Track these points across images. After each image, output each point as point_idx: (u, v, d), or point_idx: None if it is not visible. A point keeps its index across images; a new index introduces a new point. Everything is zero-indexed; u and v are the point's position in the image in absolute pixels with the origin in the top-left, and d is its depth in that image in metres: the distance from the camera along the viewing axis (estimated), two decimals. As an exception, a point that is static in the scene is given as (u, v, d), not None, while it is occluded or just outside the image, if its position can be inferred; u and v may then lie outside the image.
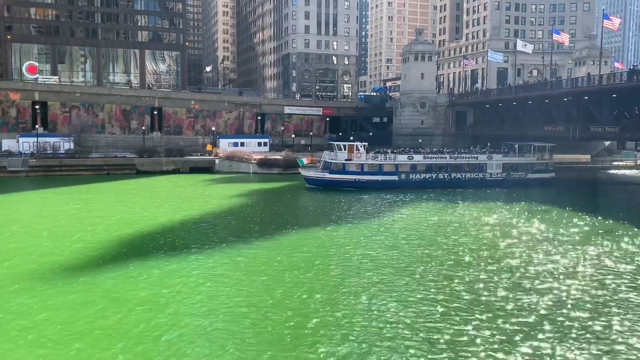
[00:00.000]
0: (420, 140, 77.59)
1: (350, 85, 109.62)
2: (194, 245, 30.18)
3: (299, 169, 57.78)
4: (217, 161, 70.77)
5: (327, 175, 55.29)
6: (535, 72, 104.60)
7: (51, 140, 69.93)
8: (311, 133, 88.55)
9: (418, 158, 57.23)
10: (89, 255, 27.92)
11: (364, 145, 57.21)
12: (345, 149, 56.30)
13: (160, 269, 25.76)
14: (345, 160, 55.71)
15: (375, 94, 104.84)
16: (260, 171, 67.65)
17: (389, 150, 59.88)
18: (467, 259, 28.26)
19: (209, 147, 77.06)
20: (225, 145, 77.00)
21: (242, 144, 78.02)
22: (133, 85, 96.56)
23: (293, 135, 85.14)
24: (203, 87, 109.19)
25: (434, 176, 56.82)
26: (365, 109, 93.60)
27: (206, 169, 70.12)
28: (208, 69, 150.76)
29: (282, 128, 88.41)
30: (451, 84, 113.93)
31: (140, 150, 72.51)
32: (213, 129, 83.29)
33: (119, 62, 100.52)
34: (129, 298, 22.19)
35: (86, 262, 26.77)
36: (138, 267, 26.13)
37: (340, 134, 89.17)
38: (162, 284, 23.70)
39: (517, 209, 43.27)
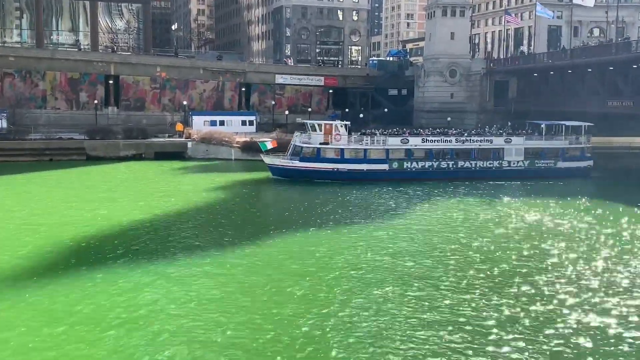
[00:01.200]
0: (449, 119, 77.38)
1: (359, 48, 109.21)
2: (154, 252, 30.52)
3: (261, 155, 57.70)
4: (189, 144, 70.60)
5: (297, 164, 55.17)
6: (596, 32, 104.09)
7: (-23, 117, 70.01)
8: (310, 109, 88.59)
9: (415, 141, 57.21)
10: (26, 265, 27.93)
11: (346, 125, 57.04)
12: (320, 130, 56.00)
13: (111, 281, 25.97)
14: (320, 144, 55.45)
15: (391, 59, 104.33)
16: (245, 157, 67.56)
17: (377, 132, 59.88)
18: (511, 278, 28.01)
19: (179, 127, 76.84)
20: (200, 125, 76.93)
21: (222, 123, 77.98)
22: (82, 47, 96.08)
23: (287, 112, 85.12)
24: (172, 50, 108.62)
25: (435, 165, 56.81)
26: (379, 79, 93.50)
27: (176, 154, 70.02)
28: (174, 27, 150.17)
29: (273, 102, 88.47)
30: (489, 47, 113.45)
31: (92, 130, 72.30)
32: (185, 103, 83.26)
33: (65, 17, 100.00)
34: (65, 315, 22.33)
35: (21, 274, 26.76)
36: (84, 279, 26.29)
37: (347, 110, 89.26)
38: (111, 300, 23.92)
39: (544, 208, 43.27)
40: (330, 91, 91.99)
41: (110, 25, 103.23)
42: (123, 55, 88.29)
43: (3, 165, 61.99)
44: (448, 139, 58.25)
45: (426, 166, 56.74)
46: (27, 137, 69.52)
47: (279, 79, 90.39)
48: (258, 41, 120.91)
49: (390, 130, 62.44)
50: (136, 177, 56.23)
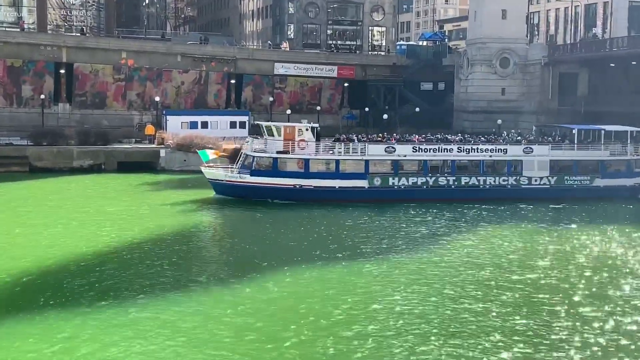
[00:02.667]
0: (499, 121, 77.57)
1: (383, 30, 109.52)
2: (106, 294, 31.03)
3: (202, 168, 57.68)
4: (163, 153, 71.05)
5: (248, 179, 54.80)
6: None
7: None
8: (318, 107, 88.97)
9: (403, 150, 56.84)
10: None
11: (314, 128, 56.95)
12: (279, 134, 55.91)
13: (48, 334, 26.31)
14: (278, 153, 55.21)
15: (425, 43, 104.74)
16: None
17: (355, 137, 59.85)
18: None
19: (149, 130, 77.21)
20: (176, 127, 77.41)
21: (205, 125, 78.50)
22: (26, 26, 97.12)
23: (289, 111, 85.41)
24: (141, 31, 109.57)
25: (430, 181, 56.37)
26: (409, 69, 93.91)
27: (145, 165, 70.31)
28: (145, 1, 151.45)
29: (271, 99, 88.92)
30: (551, 29, 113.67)
31: (37, 133, 72.62)
32: (157, 99, 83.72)
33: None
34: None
35: None
36: (17, 325, 26.74)
37: (367, 109, 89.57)
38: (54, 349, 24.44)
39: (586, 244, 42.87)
40: (346, 85, 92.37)
41: (62, 0, 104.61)
42: (78, 38, 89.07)
43: None
44: (448, 147, 57.77)
45: (418, 183, 56.17)
46: (-48, 142, 69.96)
47: (279, 69, 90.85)
48: (252, 20, 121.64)
49: (422, 136, 62.54)
50: (91, 196, 56.55)
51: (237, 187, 55.01)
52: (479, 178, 57.02)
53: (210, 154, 58.35)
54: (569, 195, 57.25)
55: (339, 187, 55.21)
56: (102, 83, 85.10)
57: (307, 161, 55.16)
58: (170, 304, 29.96)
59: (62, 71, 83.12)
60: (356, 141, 57.70)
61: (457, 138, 61.99)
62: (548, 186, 57.94)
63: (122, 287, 32.09)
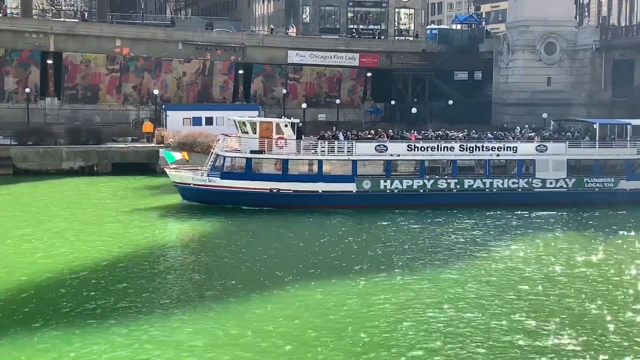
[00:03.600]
0: (545, 115, 77.10)
1: (411, 12, 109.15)
2: (92, 311, 31.61)
3: (166, 169, 57.77)
4: (162, 153, 71.08)
5: (218, 183, 54.88)
6: None
7: None
8: (338, 100, 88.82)
9: (397, 149, 56.67)
10: None
11: (294, 124, 57.03)
12: (254, 130, 55.86)
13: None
14: (252, 152, 55.17)
15: (459, 27, 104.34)
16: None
17: (339, 133, 59.64)
18: None
19: (147, 127, 77.48)
20: (177, 123, 77.80)
21: (210, 121, 78.91)
22: (9, 11, 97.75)
23: (304, 105, 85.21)
24: (138, 17, 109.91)
25: (427, 184, 56.31)
26: (441, 56, 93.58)
27: (143, 166, 70.89)
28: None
29: (285, 91, 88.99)
30: (604, 9, 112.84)
31: (22, 131, 73.24)
32: (156, 92, 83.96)
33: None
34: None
35: None
36: None
37: (393, 101, 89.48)
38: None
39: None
40: (369, 74, 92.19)
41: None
42: (68, 24, 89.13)
43: None
44: (448, 145, 57.52)
45: (414, 186, 56.16)
46: None
47: (294, 57, 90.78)
48: (263, 2, 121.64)
49: (455, 133, 62.26)
50: (82, 202, 56.88)
51: (206, 191, 55.09)
52: (484, 180, 56.91)
53: (176, 154, 58.31)
54: (589, 200, 57.06)
55: (322, 191, 55.25)
56: (94, 74, 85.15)
57: (285, 162, 55.14)
58: (176, 321, 30.40)
59: (50, 61, 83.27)
60: (341, 138, 57.50)
61: (491, 136, 61.37)
62: (565, 189, 57.73)
63: (105, 305, 32.54)
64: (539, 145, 58.19)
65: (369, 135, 60.12)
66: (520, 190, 57.28)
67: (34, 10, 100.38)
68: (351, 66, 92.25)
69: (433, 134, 61.79)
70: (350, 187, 55.47)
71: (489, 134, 61.69)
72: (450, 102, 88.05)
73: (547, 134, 62.64)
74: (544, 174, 57.50)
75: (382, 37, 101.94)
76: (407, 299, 33.78)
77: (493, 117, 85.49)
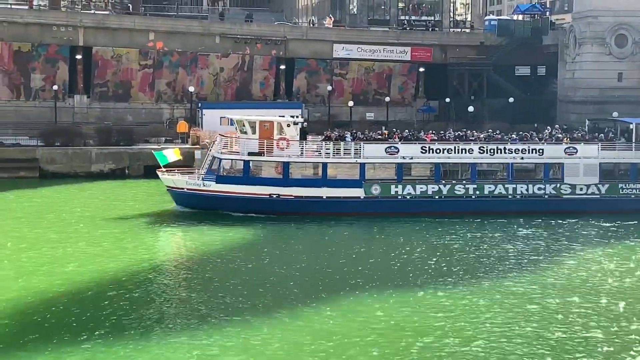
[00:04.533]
0: (615, 114, 76.07)
1: (468, 2, 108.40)
2: (122, 328, 31.97)
3: (159, 173, 57.74)
4: (198, 154, 71.44)
5: (213, 187, 54.93)
6: None
7: None
8: (387, 98, 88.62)
9: (409, 151, 56.39)
10: None
11: (299, 124, 57.02)
12: (253, 130, 55.82)
13: None
14: (250, 154, 55.03)
15: (520, 17, 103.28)
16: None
17: (347, 134, 59.32)
18: None
19: (182, 127, 77.72)
20: (214, 123, 77.77)
21: (249, 121, 78.97)
22: (36, 3, 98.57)
23: (351, 103, 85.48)
24: (173, 8, 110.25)
25: (444, 190, 56.03)
26: (501, 50, 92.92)
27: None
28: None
29: (330, 88, 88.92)
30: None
31: (49, 131, 74.00)
32: (191, 89, 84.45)
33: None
34: None
35: None
36: None
37: (448, 99, 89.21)
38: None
39: None
40: (421, 70, 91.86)
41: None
42: (98, 16, 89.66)
43: None
44: (466, 147, 57.10)
45: (429, 192, 55.83)
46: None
47: (340, 51, 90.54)
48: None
49: (476, 133, 61.99)
50: (111, 207, 57.18)
51: (200, 197, 55.23)
52: (507, 186, 56.55)
53: (170, 155, 58.03)
54: (624, 209, 56.38)
55: (327, 197, 55.09)
56: (125, 70, 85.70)
57: (286, 165, 55.14)
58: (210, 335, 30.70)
59: (79, 56, 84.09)
60: (350, 139, 57.37)
61: (516, 137, 60.80)
62: (597, 196, 57.07)
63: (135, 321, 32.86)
64: (568, 148, 57.67)
65: (380, 136, 60.02)
66: (546, 196, 56.93)
67: (62, 2, 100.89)
68: (402, 61, 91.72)
69: (452, 134, 61.68)
70: (358, 192, 55.31)
71: (513, 135, 61.44)
72: (511, 99, 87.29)
73: (580, 134, 62.07)
74: (574, 179, 57.02)
75: (437, 29, 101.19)
76: (473, 313, 33.87)
77: (558, 116, 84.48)
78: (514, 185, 56.55)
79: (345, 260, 43.31)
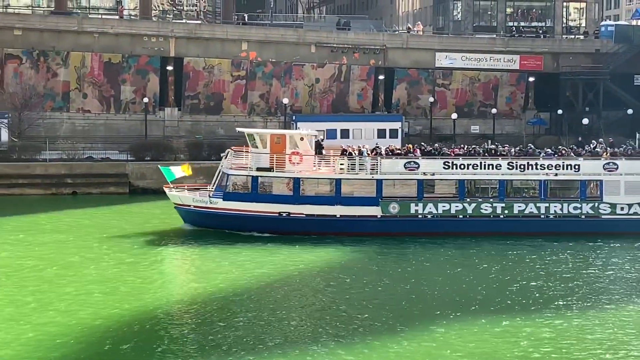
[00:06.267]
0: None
1: (582, 6, 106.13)
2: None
3: (166, 189, 57.31)
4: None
5: (220, 205, 54.03)
6: None
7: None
8: (494, 110, 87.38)
9: (431, 166, 55.05)
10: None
11: (311, 137, 56.47)
12: (264, 144, 54.85)
13: None
14: (259, 170, 53.96)
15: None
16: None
17: (365, 148, 57.61)
18: None
19: (275, 141, 77.54)
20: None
21: (346, 134, 79.02)
22: (126, 13, 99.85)
23: (454, 115, 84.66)
24: (267, 17, 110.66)
25: (469, 209, 54.43)
26: (619, 57, 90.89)
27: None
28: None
29: (432, 99, 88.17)
30: None
31: (139, 146, 74.68)
32: (285, 101, 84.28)
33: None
34: None
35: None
36: None
37: (560, 111, 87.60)
38: None
39: None
40: (531, 79, 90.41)
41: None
42: (189, 26, 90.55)
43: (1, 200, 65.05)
44: (494, 162, 55.32)
45: (452, 211, 54.40)
46: (37, 156, 72.58)
47: (442, 60, 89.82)
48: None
49: (506, 147, 59.95)
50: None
51: (207, 214, 54.62)
52: (538, 205, 55.06)
53: (177, 170, 57.39)
54: None
55: (341, 215, 54.09)
56: (217, 82, 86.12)
57: (296, 181, 54.18)
58: None
59: (170, 68, 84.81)
60: (365, 154, 55.73)
61: (550, 152, 58.97)
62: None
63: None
64: (608, 163, 55.73)
65: (398, 151, 58.38)
66: (583, 216, 55.35)
67: (153, 12, 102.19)
68: (510, 70, 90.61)
69: (479, 149, 59.82)
70: (374, 211, 54.31)
71: (547, 150, 59.58)
72: (630, 111, 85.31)
73: (623, 149, 59.69)
74: (614, 198, 55.22)
75: (548, 35, 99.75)
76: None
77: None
78: (547, 205, 55.11)
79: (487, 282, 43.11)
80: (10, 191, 67.67)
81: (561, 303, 38.41)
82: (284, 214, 54.01)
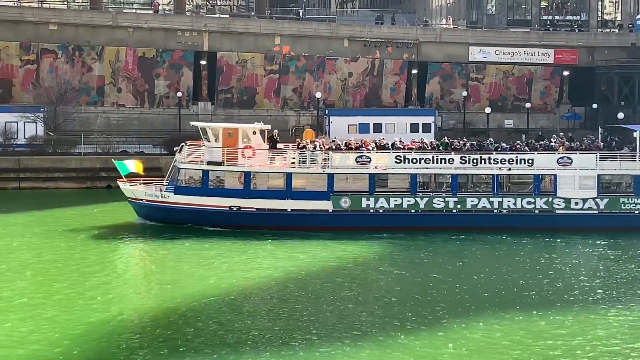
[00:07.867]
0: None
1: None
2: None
3: (120, 183, 57.27)
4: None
5: (171, 199, 54.19)
6: None
7: (-2, 118, 75.19)
8: (528, 104, 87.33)
9: (383, 161, 54.95)
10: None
11: (264, 132, 56.06)
12: (216, 138, 55.00)
13: None
14: (209, 164, 54.12)
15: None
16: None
17: (318, 142, 57.82)
18: None
19: (309, 134, 77.89)
20: (342, 130, 78.20)
21: (379, 128, 79.28)
22: (160, 8, 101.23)
23: (488, 109, 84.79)
24: (300, 10, 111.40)
25: (420, 203, 54.29)
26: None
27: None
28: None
29: (465, 93, 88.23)
30: None
31: (173, 139, 74.45)
32: (318, 96, 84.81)
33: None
34: None
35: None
36: None
37: (595, 105, 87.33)
38: None
39: None
40: (565, 73, 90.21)
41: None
42: (223, 20, 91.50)
43: (35, 193, 66.29)
44: (446, 157, 55.08)
45: (404, 206, 54.26)
46: (72, 150, 74.05)
47: (476, 54, 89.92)
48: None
49: (461, 142, 59.96)
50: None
51: (159, 209, 54.87)
52: (492, 200, 54.88)
53: (131, 165, 57.78)
54: (626, 225, 54.32)
55: (292, 210, 54.16)
56: (250, 76, 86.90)
57: (247, 175, 54.26)
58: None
59: (203, 62, 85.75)
60: (317, 148, 56.02)
61: (506, 146, 59.08)
62: (595, 212, 54.88)
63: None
64: (562, 158, 55.47)
65: (352, 146, 57.85)
66: (537, 211, 55.12)
67: (187, 6, 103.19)
68: (544, 64, 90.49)
69: (435, 143, 59.90)
70: (326, 205, 54.29)
71: (503, 144, 59.48)
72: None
73: (582, 143, 59.75)
74: (568, 193, 54.84)
75: (583, 29, 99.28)
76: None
77: None
78: (500, 199, 54.95)
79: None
80: (46, 184, 69.23)
81: (509, 301, 37.90)
82: (235, 208, 54.20)
